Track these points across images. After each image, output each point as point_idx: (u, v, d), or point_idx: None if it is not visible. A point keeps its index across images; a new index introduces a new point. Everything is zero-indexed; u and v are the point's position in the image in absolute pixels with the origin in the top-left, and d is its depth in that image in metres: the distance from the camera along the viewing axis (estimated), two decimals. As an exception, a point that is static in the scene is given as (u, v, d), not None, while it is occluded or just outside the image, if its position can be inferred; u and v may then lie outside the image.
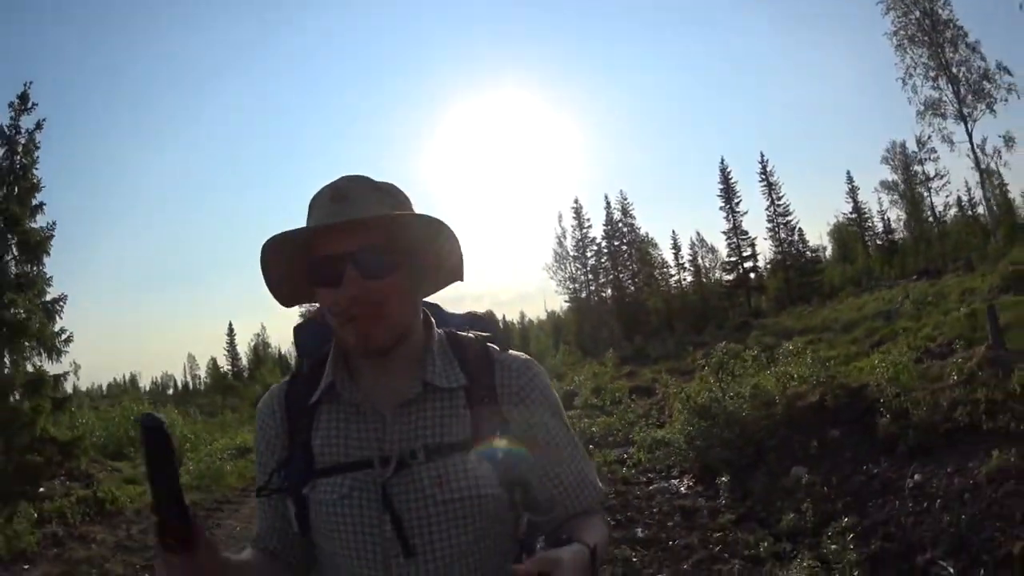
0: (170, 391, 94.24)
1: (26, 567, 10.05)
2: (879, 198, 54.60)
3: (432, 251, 1.70)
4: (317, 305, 1.80)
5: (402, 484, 1.60)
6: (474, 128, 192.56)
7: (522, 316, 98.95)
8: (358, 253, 1.57)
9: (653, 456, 11.66)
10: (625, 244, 56.30)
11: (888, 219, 55.27)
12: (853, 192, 56.08)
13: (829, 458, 8.66)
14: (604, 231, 56.43)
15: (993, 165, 37.37)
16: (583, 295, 56.79)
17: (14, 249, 15.74)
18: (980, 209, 45.99)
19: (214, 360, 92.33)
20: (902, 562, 6.09)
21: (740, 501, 8.87)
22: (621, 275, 56.15)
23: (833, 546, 6.64)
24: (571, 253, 57.13)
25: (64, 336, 16.30)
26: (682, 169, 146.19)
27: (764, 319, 35.46)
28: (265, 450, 1.80)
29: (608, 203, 57.13)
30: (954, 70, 36.11)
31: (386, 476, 1.61)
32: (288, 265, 1.66)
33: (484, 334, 1.86)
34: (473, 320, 2.06)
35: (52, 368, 16.25)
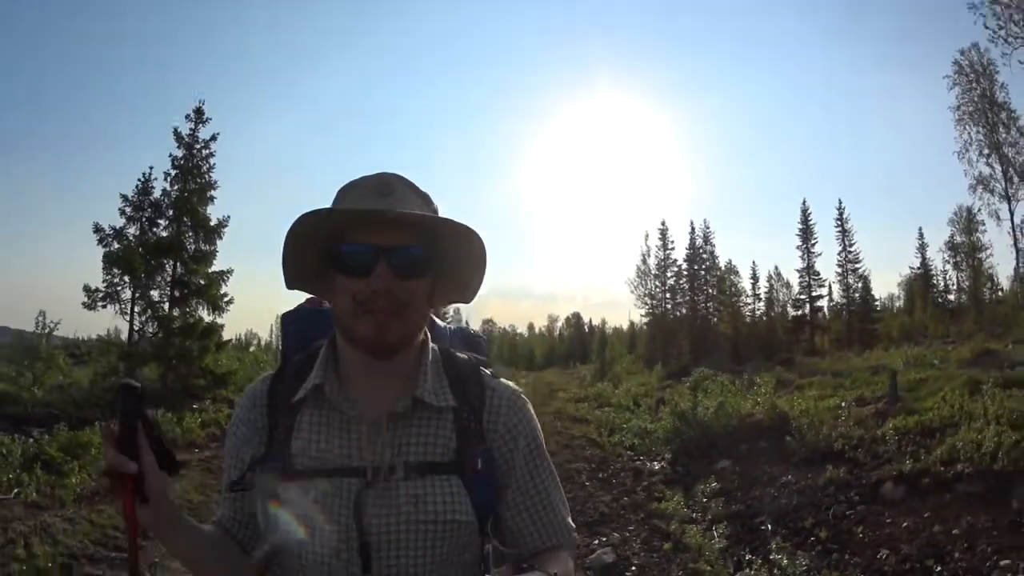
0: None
1: (196, 451, 13.87)
2: (943, 257, 54.86)
3: (456, 266, 1.69)
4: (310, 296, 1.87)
5: (378, 497, 1.56)
6: (578, 134, 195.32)
7: (603, 322, 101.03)
8: (395, 249, 1.54)
9: (642, 442, 14.69)
10: (703, 269, 58.17)
11: (947, 279, 55.28)
12: (922, 248, 55.83)
13: (750, 458, 11.63)
14: (686, 254, 58.23)
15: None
16: (659, 312, 59.21)
17: (192, 232, 20.17)
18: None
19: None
20: (746, 521, 9.04)
21: (681, 475, 11.95)
22: (697, 298, 57.96)
23: (704, 498, 9.85)
24: (652, 271, 59.44)
25: (227, 299, 20.67)
26: (772, 202, 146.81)
27: (814, 358, 37.12)
28: (241, 442, 1.72)
29: (693, 228, 58.99)
30: (1005, 150, 37.22)
31: (362, 487, 1.56)
32: (308, 248, 1.62)
33: (478, 356, 1.84)
34: (465, 337, 2.04)
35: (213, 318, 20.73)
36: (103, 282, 19.17)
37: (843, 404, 12.81)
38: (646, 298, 59.58)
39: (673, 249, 59.26)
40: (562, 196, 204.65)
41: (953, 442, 9.09)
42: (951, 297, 54.25)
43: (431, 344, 1.76)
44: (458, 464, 1.62)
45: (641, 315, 63.12)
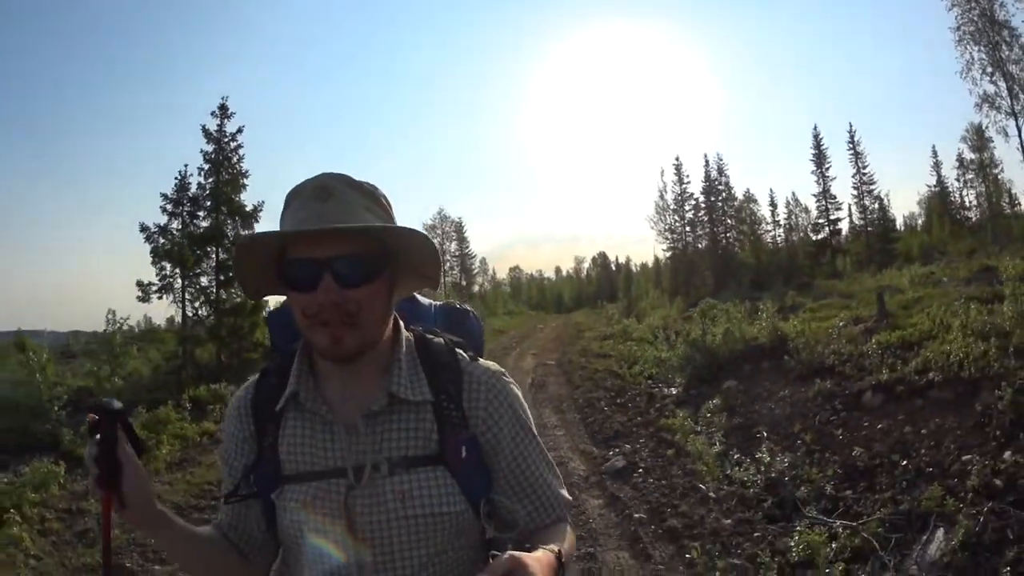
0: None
1: None
2: (959, 174, 54.82)
3: (412, 259, 1.67)
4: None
5: (366, 496, 1.59)
6: (585, 72, 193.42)
7: (628, 260, 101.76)
8: (336, 260, 1.53)
9: (659, 370, 16.04)
10: (720, 201, 58.92)
11: (963, 196, 55.89)
12: (937, 166, 56.55)
13: (753, 377, 12.75)
14: (703, 187, 59.53)
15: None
16: (680, 246, 60.16)
17: (230, 220, 21.83)
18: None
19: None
20: (745, 432, 10.23)
21: (692, 397, 13.16)
22: (716, 229, 58.84)
23: (708, 414, 11.04)
24: (671, 206, 60.63)
25: None
26: (786, 129, 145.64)
27: (833, 280, 37.97)
28: (233, 452, 1.78)
29: (707, 162, 60.21)
30: (1009, 67, 37.17)
31: (348, 488, 1.60)
32: (260, 262, 1.64)
33: (455, 339, 1.83)
34: (448, 313, 2.07)
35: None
36: (156, 275, 21.00)
37: (841, 324, 13.82)
38: (667, 233, 61.04)
39: (689, 183, 60.53)
40: (575, 136, 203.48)
41: (927, 354, 10.12)
42: (969, 214, 54.47)
43: (405, 334, 1.77)
44: (442, 455, 1.64)
45: (663, 250, 64.38)
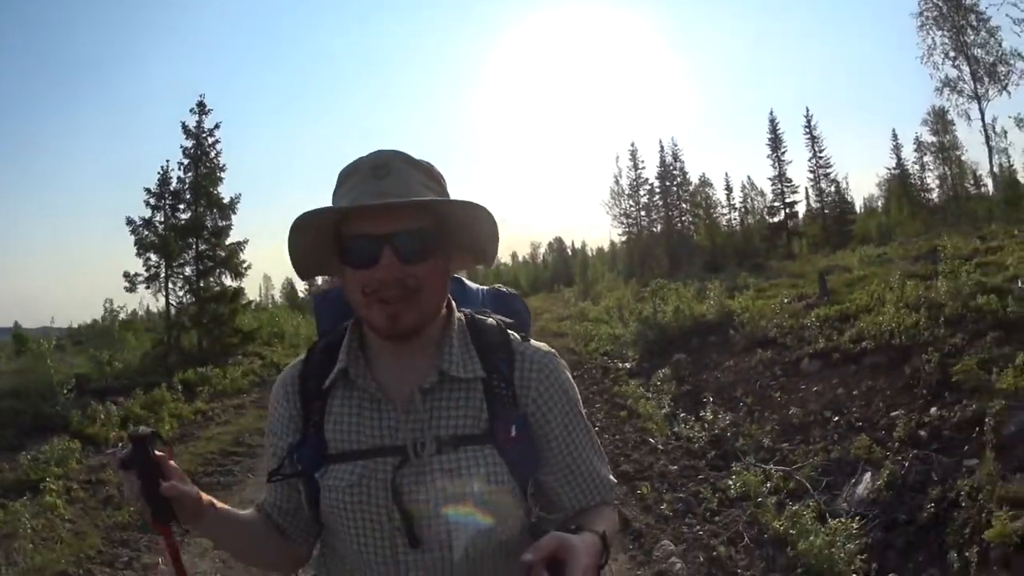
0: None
1: (244, 395, 16.45)
2: (917, 157, 56.31)
3: (471, 235, 1.68)
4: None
5: (413, 475, 1.59)
6: (539, 58, 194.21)
7: (583, 244, 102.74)
8: (398, 236, 1.53)
9: (613, 346, 17.04)
10: (675, 185, 60.08)
11: (922, 179, 57.12)
12: (897, 149, 57.70)
13: (701, 350, 13.69)
14: (658, 172, 60.51)
15: (1002, 144, 40.35)
16: (635, 230, 61.32)
17: (208, 211, 23.00)
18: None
19: (290, 280, 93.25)
20: (692, 397, 11.13)
21: (644, 369, 14.08)
22: (671, 213, 60.00)
23: (659, 383, 11.93)
24: (626, 191, 61.69)
25: (245, 265, 23.62)
26: (743, 113, 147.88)
27: (787, 262, 39.16)
28: (279, 431, 1.78)
29: (662, 147, 61.09)
30: (974, 51, 38.22)
31: (396, 466, 1.60)
32: (316, 238, 1.63)
33: (506, 320, 1.83)
34: (496, 296, 2.08)
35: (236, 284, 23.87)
36: (143, 266, 22.06)
37: (786, 301, 14.81)
38: (622, 218, 62.15)
39: (644, 168, 61.65)
40: (530, 123, 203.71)
41: (861, 325, 11.09)
42: (931, 195, 55.93)
43: (456, 313, 1.77)
44: (492, 434, 1.64)
45: (618, 235, 65.85)
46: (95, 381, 15.97)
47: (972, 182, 52.05)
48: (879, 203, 65.14)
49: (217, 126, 23.58)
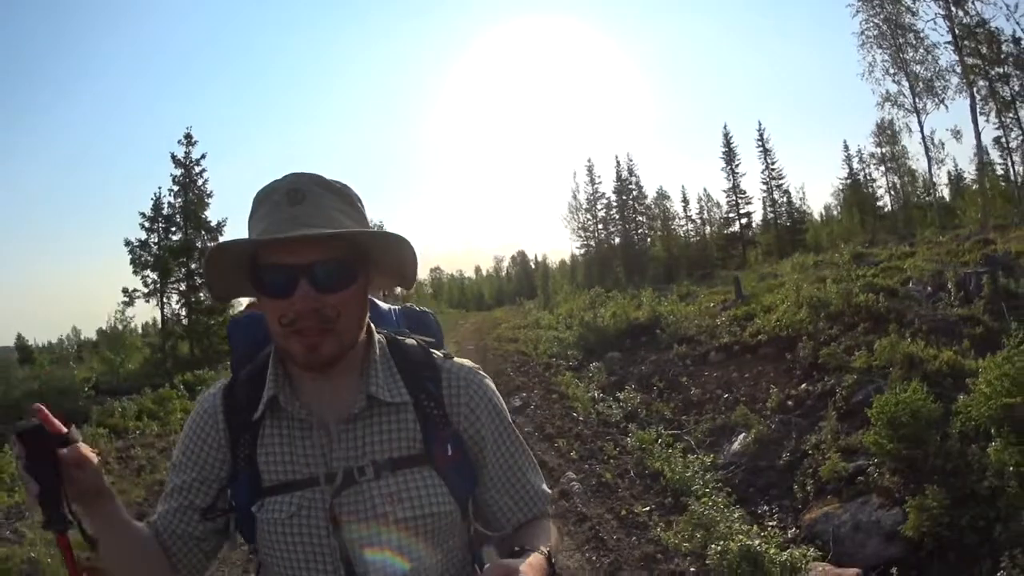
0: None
1: None
2: (858, 168, 59.14)
3: (389, 260, 1.68)
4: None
5: (352, 502, 1.59)
6: (495, 77, 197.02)
7: (544, 258, 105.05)
8: (313, 266, 1.52)
9: (559, 348, 19.53)
10: (632, 199, 62.86)
11: (872, 188, 59.99)
12: (848, 160, 60.62)
13: (632, 349, 16.26)
14: (614, 187, 63.45)
15: (939, 155, 43.12)
16: (593, 243, 64.06)
17: (197, 232, 26.24)
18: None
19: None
20: (617, 386, 13.60)
21: (580, 364, 16.64)
22: (628, 226, 62.69)
23: (590, 375, 14.46)
24: (583, 206, 64.53)
25: None
26: (699, 128, 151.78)
27: (740, 271, 41.77)
28: (196, 459, 1.73)
29: (618, 163, 64.42)
30: (913, 67, 40.52)
31: (333, 494, 1.59)
32: (230, 266, 1.62)
33: (426, 339, 1.86)
34: (409, 316, 2.11)
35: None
36: (141, 283, 25.31)
37: (711, 305, 17.44)
38: (580, 231, 65.16)
39: (601, 183, 64.67)
40: (495, 142, 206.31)
41: (759, 322, 13.71)
42: (881, 204, 58.70)
43: (377, 336, 1.77)
44: (428, 454, 1.66)
45: (577, 248, 68.89)
46: (106, 383, 18.38)
47: (923, 190, 54.62)
48: (835, 212, 67.84)
49: (203, 156, 26.90)
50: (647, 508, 7.67)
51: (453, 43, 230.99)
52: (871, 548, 7.26)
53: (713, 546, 6.20)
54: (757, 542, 6.11)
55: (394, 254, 1.67)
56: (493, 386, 1.83)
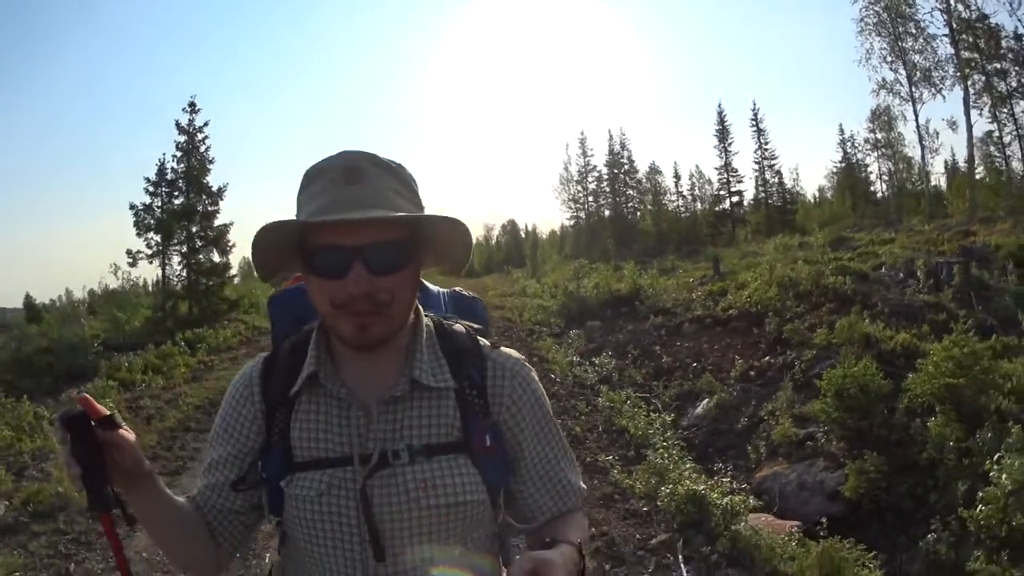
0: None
1: (232, 350, 19.61)
2: (850, 152, 59.58)
3: (443, 244, 1.66)
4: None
5: (384, 485, 1.57)
6: (497, 42, 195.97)
7: (534, 228, 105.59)
8: (369, 248, 1.49)
9: (543, 316, 20.37)
10: (623, 173, 63.49)
11: (866, 172, 60.44)
12: (843, 143, 60.28)
13: (612, 319, 17.18)
14: (606, 160, 63.75)
15: (934, 144, 43.67)
16: (583, 215, 64.85)
17: (199, 197, 26.98)
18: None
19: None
20: (595, 352, 14.43)
21: (563, 332, 17.49)
22: (618, 199, 63.30)
23: (570, 341, 15.40)
24: (574, 178, 65.19)
25: (231, 244, 27.89)
26: (697, 106, 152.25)
27: (728, 248, 42.48)
28: (238, 433, 1.74)
29: (611, 136, 65.46)
30: (912, 56, 40.22)
31: (366, 475, 1.57)
32: (279, 244, 1.58)
33: (474, 326, 1.82)
34: (458, 300, 2.05)
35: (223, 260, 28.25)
36: (145, 245, 25.93)
37: (691, 280, 18.37)
38: (570, 203, 65.69)
39: (592, 156, 65.07)
40: (487, 112, 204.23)
41: (731, 297, 14.64)
42: (875, 189, 59.27)
43: (425, 320, 1.74)
44: (465, 443, 1.63)
45: (566, 219, 69.49)
46: (111, 339, 19.34)
47: (918, 178, 55.13)
48: (829, 194, 68.29)
49: (206, 123, 27.46)
50: (610, 457, 8.55)
51: (445, 8, 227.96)
52: (814, 506, 8.17)
53: (663, 488, 7.06)
54: (702, 487, 6.95)
55: (448, 237, 1.64)
56: (536, 379, 1.78)
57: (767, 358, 12.14)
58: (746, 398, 11.12)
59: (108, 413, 1.50)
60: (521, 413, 1.69)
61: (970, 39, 36.50)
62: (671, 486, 7.12)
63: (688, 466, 8.19)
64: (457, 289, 2.09)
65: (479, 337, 1.76)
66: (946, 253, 16.15)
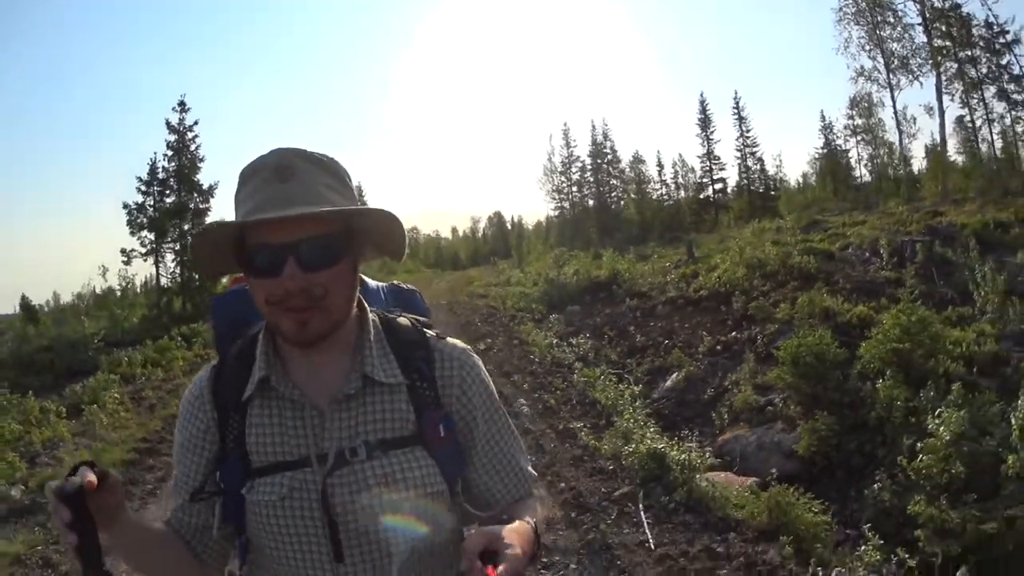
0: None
1: None
2: (828, 139, 60.44)
3: (378, 234, 1.68)
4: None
5: (345, 483, 1.59)
6: (482, 32, 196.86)
7: (520, 219, 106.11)
8: (300, 244, 1.52)
9: (525, 303, 21.02)
10: (606, 163, 64.20)
11: (848, 158, 61.28)
12: (825, 130, 61.00)
13: (591, 304, 18.00)
14: (589, 150, 64.60)
15: (911, 129, 44.73)
16: (567, 205, 65.65)
17: (190, 195, 27.68)
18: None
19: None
20: (574, 335, 15.17)
21: (544, 317, 18.22)
22: (602, 189, 64.08)
23: (550, 326, 16.17)
24: (558, 169, 65.83)
25: None
26: (679, 93, 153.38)
27: (711, 235, 43.32)
28: (194, 446, 1.74)
29: (594, 127, 66.48)
30: (890, 45, 40.89)
31: (325, 474, 1.58)
32: (218, 244, 1.63)
33: (420, 318, 1.85)
34: (397, 294, 2.07)
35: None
36: (139, 243, 26.72)
37: (667, 264, 19.21)
38: (554, 193, 66.30)
39: (576, 147, 65.69)
40: (473, 105, 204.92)
41: (701, 279, 15.50)
42: (856, 174, 60.02)
43: (370, 315, 1.76)
44: (419, 435, 1.65)
45: (551, 210, 70.05)
46: (110, 336, 20.00)
47: (898, 162, 55.91)
48: (812, 180, 69.07)
49: (196, 122, 28.09)
50: (581, 424, 9.33)
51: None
52: (771, 464, 8.91)
53: (627, 448, 7.85)
54: (662, 445, 7.72)
55: (382, 228, 1.67)
56: (483, 368, 1.82)
57: (733, 333, 12.95)
58: (713, 371, 11.93)
59: (102, 477, 1.48)
60: (472, 402, 1.73)
61: (943, 27, 37.31)
62: (634, 445, 7.83)
63: (652, 429, 8.92)
64: (395, 282, 2.14)
65: (425, 329, 1.79)
66: (912, 233, 16.82)
